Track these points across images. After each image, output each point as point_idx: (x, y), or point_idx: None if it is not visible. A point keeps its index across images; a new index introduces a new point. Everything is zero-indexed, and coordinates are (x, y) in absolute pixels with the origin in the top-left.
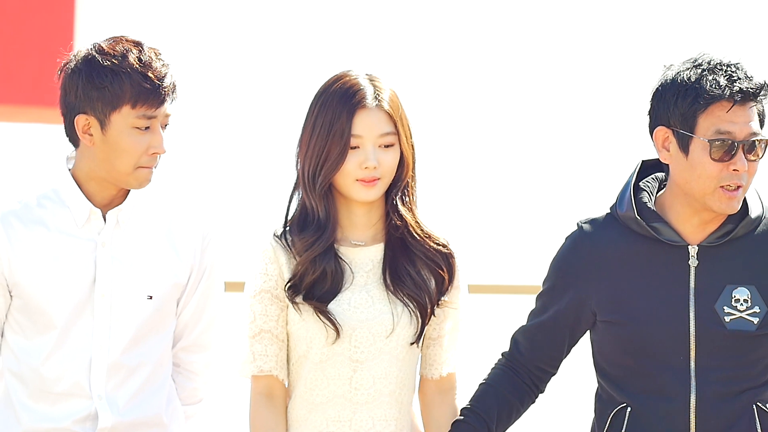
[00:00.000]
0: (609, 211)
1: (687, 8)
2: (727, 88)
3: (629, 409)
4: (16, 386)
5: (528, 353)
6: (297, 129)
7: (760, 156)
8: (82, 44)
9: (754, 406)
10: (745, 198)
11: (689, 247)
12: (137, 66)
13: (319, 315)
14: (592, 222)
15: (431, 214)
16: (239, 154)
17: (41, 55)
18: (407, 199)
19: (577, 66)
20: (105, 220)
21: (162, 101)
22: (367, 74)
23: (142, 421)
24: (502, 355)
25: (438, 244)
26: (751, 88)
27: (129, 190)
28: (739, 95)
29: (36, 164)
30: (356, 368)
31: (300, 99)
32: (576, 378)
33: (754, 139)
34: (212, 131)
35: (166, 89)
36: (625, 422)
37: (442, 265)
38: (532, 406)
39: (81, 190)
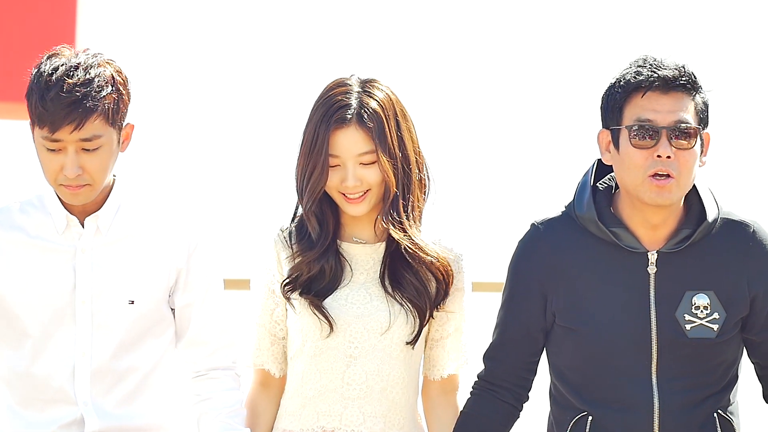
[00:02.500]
0: (564, 209)
1: (686, 9)
2: (646, 77)
3: (590, 418)
4: (5, 392)
5: (504, 366)
6: (302, 126)
7: (692, 145)
8: (84, 40)
9: (715, 414)
10: (701, 201)
11: (648, 253)
12: (44, 88)
13: (314, 309)
14: (548, 223)
15: (437, 212)
16: (246, 152)
17: (44, 52)
18: (395, 213)
19: (576, 67)
20: (84, 227)
21: (57, 127)
22: (361, 82)
23: (134, 427)
24: (477, 377)
25: (432, 257)
26: (670, 75)
27: (106, 198)
28: (657, 82)
29: (37, 162)
30: (349, 363)
31: (306, 96)
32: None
33: (679, 125)
34: (217, 129)
35: (66, 117)
36: (587, 431)
37: (439, 275)
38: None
39: (59, 197)
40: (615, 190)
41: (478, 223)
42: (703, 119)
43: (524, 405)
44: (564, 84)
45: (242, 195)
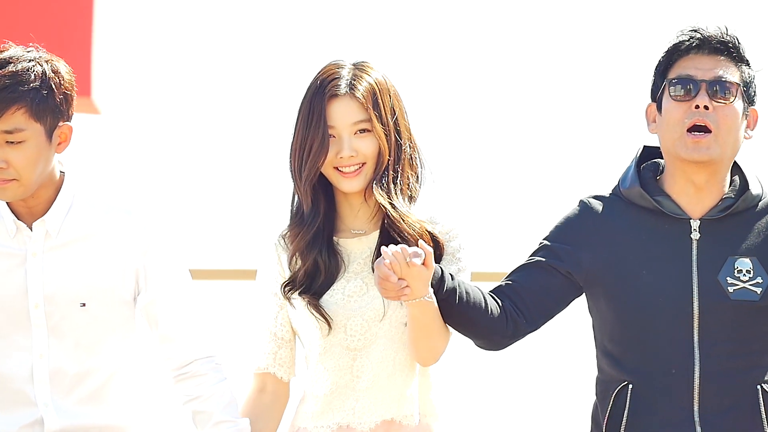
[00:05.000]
0: (612, 192)
1: (687, 8)
2: (688, 37)
3: (630, 386)
4: None
5: (514, 286)
6: None
7: (731, 100)
8: (101, 37)
9: (758, 387)
10: (744, 176)
11: (691, 220)
12: None
13: (311, 309)
14: (597, 197)
15: (436, 203)
16: (252, 147)
17: (61, 43)
18: (384, 185)
19: (576, 59)
20: (33, 230)
21: None
22: (355, 63)
23: (97, 427)
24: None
25: (414, 229)
26: (711, 36)
27: (53, 201)
28: (697, 42)
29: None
30: (355, 357)
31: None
32: (573, 377)
33: (719, 80)
34: (222, 125)
35: None
36: (628, 400)
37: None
38: (530, 404)
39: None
40: (659, 174)
41: (478, 216)
42: (748, 92)
43: (512, 330)
44: (564, 77)
45: (245, 189)
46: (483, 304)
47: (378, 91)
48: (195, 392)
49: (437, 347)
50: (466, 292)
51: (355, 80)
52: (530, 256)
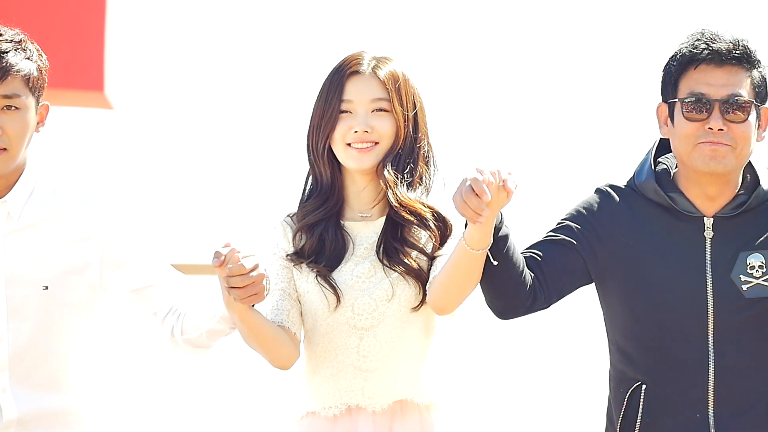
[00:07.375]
0: (626, 184)
1: (688, 7)
2: (700, 50)
3: (644, 386)
4: None
5: (540, 259)
6: (304, 121)
7: (744, 118)
8: (114, 32)
9: None
10: (756, 172)
11: (704, 218)
12: None
13: (320, 280)
14: (613, 187)
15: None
16: (261, 142)
17: (74, 38)
18: (393, 169)
19: (583, 56)
20: None
21: None
22: (378, 55)
23: (54, 412)
24: None
25: (419, 212)
26: (723, 48)
27: (15, 182)
28: (710, 55)
29: (67, 146)
30: (362, 336)
31: (311, 85)
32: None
33: (732, 98)
34: (235, 120)
35: None
36: (642, 400)
37: (432, 225)
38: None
39: None
40: (674, 171)
41: None
42: (759, 94)
43: (530, 302)
44: (571, 75)
45: (255, 184)
46: (521, 267)
47: (402, 81)
48: (183, 308)
49: (464, 289)
50: (515, 248)
51: (379, 63)
52: (551, 232)
